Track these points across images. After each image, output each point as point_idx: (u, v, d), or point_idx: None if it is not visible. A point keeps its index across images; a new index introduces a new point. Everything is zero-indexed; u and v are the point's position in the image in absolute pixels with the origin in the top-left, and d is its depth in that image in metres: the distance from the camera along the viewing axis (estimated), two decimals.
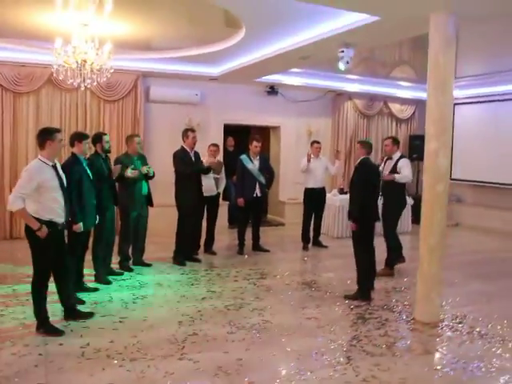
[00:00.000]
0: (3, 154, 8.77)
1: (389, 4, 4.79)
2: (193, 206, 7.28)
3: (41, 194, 4.44)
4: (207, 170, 7.57)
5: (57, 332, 4.59)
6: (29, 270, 6.57)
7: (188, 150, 7.28)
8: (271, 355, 4.27)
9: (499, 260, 8.34)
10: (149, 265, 7.15)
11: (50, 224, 4.53)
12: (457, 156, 11.63)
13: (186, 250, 7.44)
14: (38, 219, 4.45)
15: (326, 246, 8.78)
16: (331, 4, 4.99)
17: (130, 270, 6.85)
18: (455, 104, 11.51)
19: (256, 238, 8.38)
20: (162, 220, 8.22)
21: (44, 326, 4.59)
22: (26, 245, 6.98)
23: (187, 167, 7.16)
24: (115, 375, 3.83)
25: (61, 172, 4.69)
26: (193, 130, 7.44)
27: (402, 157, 7.15)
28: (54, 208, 4.56)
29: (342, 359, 4.22)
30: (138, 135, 7.61)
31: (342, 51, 6.36)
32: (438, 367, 4.14)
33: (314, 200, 8.64)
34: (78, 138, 5.57)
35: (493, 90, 10.90)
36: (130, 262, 7.03)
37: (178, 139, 7.49)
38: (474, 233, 10.92)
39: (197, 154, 7.43)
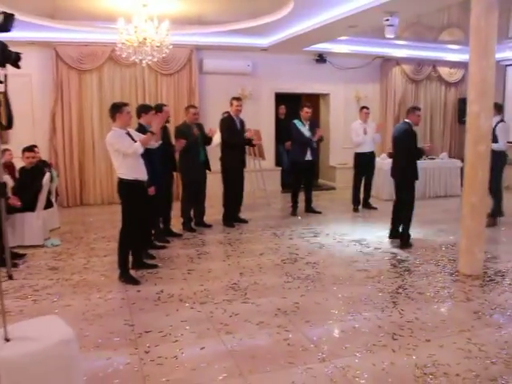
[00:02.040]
0: (71, 125, 9.51)
1: None
2: (235, 169, 7.77)
3: (124, 157, 5.08)
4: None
5: (135, 281, 5.25)
6: (101, 232, 7.39)
7: (234, 117, 7.73)
8: (324, 300, 4.78)
9: None
10: (209, 226, 7.73)
11: (136, 182, 5.18)
12: (509, 118, 11.64)
13: (232, 212, 7.96)
14: (128, 180, 5.13)
15: (375, 208, 9.13)
16: None
17: (193, 231, 7.45)
18: (507, 65, 11.50)
19: (308, 200, 8.82)
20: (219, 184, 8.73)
21: (125, 276, 5.27)
22: (96, 210, 7.86)
23: (232, 136, 7.60)
24: (188, 315, 4.43)
25: (135, 136, 5.27)
26: (237, 99, 7.84)
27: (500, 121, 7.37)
28: (138, 168, 5.21)
29: (388, 304, 4.67)
30: (195, 106, 8.11)
31: (387, 19, 6.63)
32: (477, 312, 4.53)
33: (364, 164, 8.97)
34: (143, 109, 6.15)
35: None
36: (192, 223, 7.63)
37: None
38: None
39: (242, 122, 7.87)
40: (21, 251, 6.28)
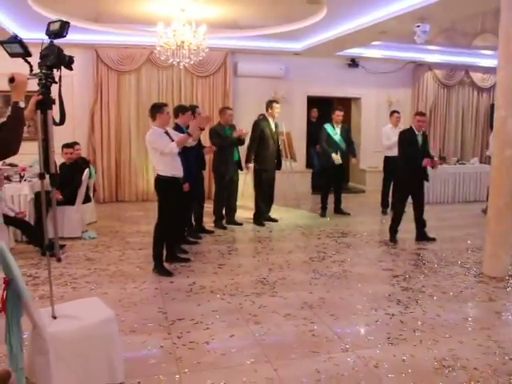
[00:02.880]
0: (109, 125, 9.89)
1: None
2: (267, 170, 7.98)
3: (162, 155, 5.35)
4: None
5: (169, 273, 5.51)
6: (136, 227, 7.70)
7: (269, 119, 7.96)
8: (349, 296, 4.96)
9: None
10: (240, 224, 7.97)
11: (173, 179, 5.45)
12: None
13: (263, 211, 8.17)
14: (165, 176, 5.40)
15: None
16: None
17: (224, 228, 7.70)
18: None
19: (338, 202, 9.00)
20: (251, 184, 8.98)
21: (158, 267, 5.54)
22: (131, 206, 8.17)
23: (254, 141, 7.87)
24: (218, 305, 4.66)
25: (173, 135, 5.52)
26: (277, 102, 8.12)
27: None
28: (175, 165, 5.47)
29: (411, 302, 4.81)
30: (230, 108, 8.36)
31: (418, 26, 6.76)
32: (499, 312, 4.64)
33: (394, 168, 9.03)
34: (181, 110, 6.44)
35: None
36: (224, 221, 7.88)
37: (263, 110, 8.19)
38: None
39: (277, 125, 8.10)
40: (60, 242, 6.60)
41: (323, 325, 4.25)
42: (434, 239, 7.12)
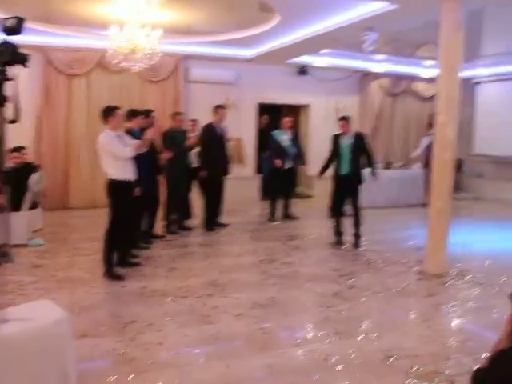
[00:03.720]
0: (58, 130, 9.72)
1: None
2: (216, 176, 8.03)
3: (114, 158, 5.35)
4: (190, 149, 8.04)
5: (119, 277, 5.50)
6: (85, 234, 7.61)
7: (215, 125, 8.00)
8: (298, 295, 5.13)
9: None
10: (190, 229, 8.01)
11: (125, 182, 5.45)
12: (478, 132, 12.18)
13: (212, 216, 8.19)
14: (117, 180, 5.39)
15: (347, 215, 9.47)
16: None
17: (175, 234, 7.71)
18: (477, 82, 12.06)
19: (286, 206, 9.17)
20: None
21: (109, 272, 5.52)
22: (79, 213, 8.08)
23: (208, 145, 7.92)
24: (170, 308, 4.71)
25: (126, 139, 5.54)
26: (222, 106, 8.20)
27: None
28: (127, 169, 5.49)
29: (358, 299, 5.01)
30: (182, 113, 8.40)
31: (367, 35, 7.04)
32: (438, 305, 4.94)
33: None
34: (132, 114, 6.44)
35: None
36: (175, 226, 7.89)
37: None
38: (492, 205, 11.42)
39: (224, 130, 8.14)
40: (5, 249, 6.46)
41: (274, 322, 4.37)
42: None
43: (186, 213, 8.07)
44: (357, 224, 7.17)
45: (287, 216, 9.15)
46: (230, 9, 7.47)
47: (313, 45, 8.86)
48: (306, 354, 3.77)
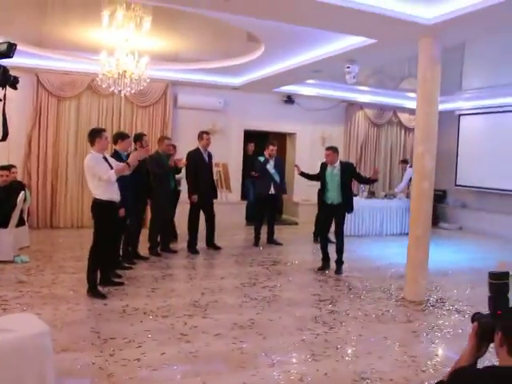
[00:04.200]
0: (47, 150, 9.85)
1: (383, 30, 5.71)
2: (203, 199, 8.17)
3: (99, 180, 5.46)
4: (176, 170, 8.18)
5: (102, 295, 5.57)
6: (70, 253, 7.66)
7: (201, 150, 8.23)
8: (278, 318, 5.19)
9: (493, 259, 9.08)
10: (175, 251, 8.08)
11: (109, 203, 5.55)
12: (461, 163, 12.45)
13: (195, 239, 8.28)
14: (102, 200, 5.49)
15: (333, 242, 9.60)
16: (333, 29, 5.95)
17: (159, 255, 7.78)
18: (460, 114, 12.40)
19: (271, 232, 9.28)
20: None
21: (92, 290, 5.59)
22: (65, 233, 8.14)
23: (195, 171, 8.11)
24: (151, 325, 4.77)
25: (111, 162, 5.65)
26: (207, 132, 8.41)
27: None
28: (112, 190, 5.59)
29: (336, 323, 5.10)
30: (169, 137, 8.57)
31: (348, 67, 7.29)
32: (416, 331, 5.02)
33: None
34: (120, 136, 6.57)
35: (495, 101, 11.55)
36: (159, 248, 7.96)
37: None
38: (475, 236, 11.62)
39: (210, 155, 8.37)
40: None
41: (252, 343, 4.44)
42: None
43: (170, 235, 8.16)
44: (340, 250, 7.30)
45: (271, 241, 9.26)
46: (217, 38, 7.70)
47: (297, 75, 9.13)
48: (281, 374, 3.85)
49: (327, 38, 6.75)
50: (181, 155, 8.83)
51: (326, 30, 6.04)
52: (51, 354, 3.29)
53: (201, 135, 8.27)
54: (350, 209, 7.36)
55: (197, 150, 8.21)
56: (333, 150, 7.25)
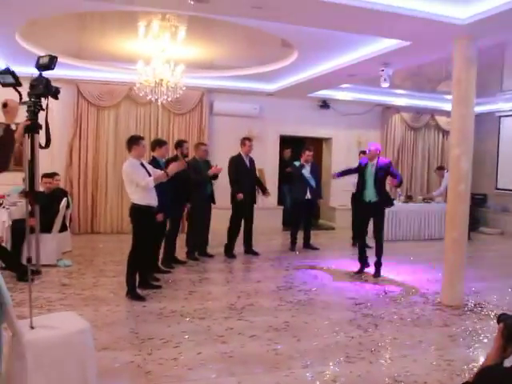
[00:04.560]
0: (87, 158, 10.15)
1: (417, 32, 5.70)
2: (243, 205, 8.29)
3: (137, 185, 5.62)
4: (214, 177, 8.20)
5: (141, 298, 5.72)
6: (110, 257, 7.87)
7: (243, 156, 8.37)
8: (313, 320, 5.22)
9: None
10: (211, 256, 8.20)
11: (147, 208, 5.70)
12: (502, 166, 12.18)
13: (233, 244, 8.42)
14: (139, 205, 5.64)
15: (370, 247, 9.55)
16: (369, 33, 5.96)
17: (196, 260, 7.92)
18: (501, 116, 12.12)
19: (307, 237, 9.32)
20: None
21: (131, 293, 5.75)
22: (105, 238, 8.34)
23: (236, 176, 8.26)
24: (187, 327, 4.88)
25: (149, 168, 5.81)
26: (249, 139, 8.52)
27: None
28: (150, 195, 5.73)
29: (371, 326, 5.10)
30: (205, 143, 8.72)
31: (382, 70, 7.28)
32: (452, 335, 4.96)
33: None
34: (158, 143, 6.75)
35: None
36: (196, 253, 8.10)
37: (238, 148, 8.53)
38: None
39: (252, 161, 8.49)
40: (36, 268, 6.75)
41: (286, 345, 4.50)
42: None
43: (207, 240, 8.29)
44: (378, 253, 7.28)
45: (308, 246, 9.29)
46: (251, 45, 7.80)
47: (331, 80, 9.15)
48: (314, 375, 3.88)
49: (360, 41, 6.76)
50: (218, 161, 8.98)
51: (361, 35, 6.06)
52: (93, 351, 3.43)
53: (243, 141, 8.41)
54: (390, 203, 7.41)
55: (239, 156, 8.36)
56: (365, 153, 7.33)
